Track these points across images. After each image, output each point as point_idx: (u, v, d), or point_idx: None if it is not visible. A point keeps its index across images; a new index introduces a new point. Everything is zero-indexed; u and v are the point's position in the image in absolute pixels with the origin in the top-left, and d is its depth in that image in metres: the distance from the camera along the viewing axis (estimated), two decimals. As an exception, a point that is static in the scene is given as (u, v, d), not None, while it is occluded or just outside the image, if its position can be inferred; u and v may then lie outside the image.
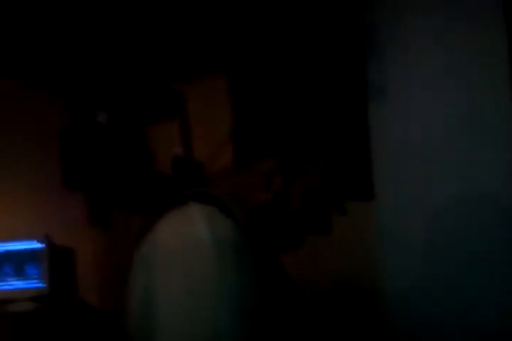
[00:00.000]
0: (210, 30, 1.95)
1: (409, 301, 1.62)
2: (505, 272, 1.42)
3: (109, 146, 2.60)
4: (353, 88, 1.71)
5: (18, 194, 2.70)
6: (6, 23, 2.11)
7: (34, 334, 2.26)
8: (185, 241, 0.76)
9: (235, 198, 0.86)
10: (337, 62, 1.72)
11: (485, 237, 1.46)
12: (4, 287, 2.48)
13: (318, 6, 1.74)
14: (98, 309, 2.50)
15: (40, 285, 2.52)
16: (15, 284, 2.50)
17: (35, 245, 2.55)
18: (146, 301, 0.75)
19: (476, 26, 1.47)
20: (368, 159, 1.70)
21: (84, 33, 2.27)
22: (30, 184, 2.74)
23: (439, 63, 1.55)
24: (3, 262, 2.51)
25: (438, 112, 1.55)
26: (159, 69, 2.35)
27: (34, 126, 2.76)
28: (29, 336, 2.25)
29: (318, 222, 0.99)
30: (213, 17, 1.94)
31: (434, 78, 1.56)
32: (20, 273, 2.51)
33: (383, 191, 1.70)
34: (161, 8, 2.01)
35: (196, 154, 2.38)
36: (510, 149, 1.42)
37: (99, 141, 2.59)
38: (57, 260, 2.66)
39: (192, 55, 2.03)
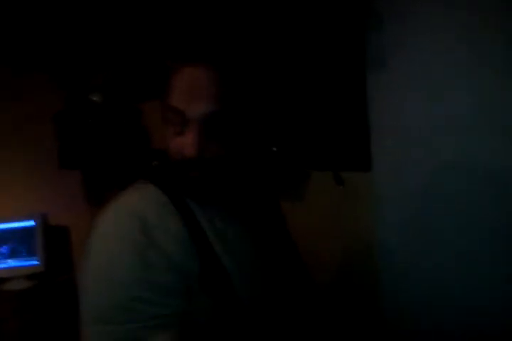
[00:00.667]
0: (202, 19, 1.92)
1: (406, 272, 1.65)
2: (503, 240, 1.43)
3: (103, 125, 2.60)
4: (352, 58, 1.71)
5: (14, 174, 2.71)
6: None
7: (30, 312, 2.29)
8: (106, 213, 0.82)
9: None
10: (336, 36, 1.71)
11: (482, 205, 1.46)
12: (1, 265, 2.50)
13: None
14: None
15: (35, 263, 2.54)
16: (10, 262, 2.52)
17: (31, 224, 2.56)
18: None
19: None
20: (365, 130, 1.70)
21: (77, 13, 2.23)
22: (27, 164, 2.75)
23: (440, 39, 1.53)
24: (-1, 241, 2.52)
25: (437, 82, 1.54)
26: (152, 46, 2.33)
27: (30, 107, 2.74)
28: (25, 314, 2.27)
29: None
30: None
31: (435, 54, 1.54)
32: (15, 252, 2.53)
33: (380, 162, 1.70)
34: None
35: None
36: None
37: (94, 120, 2.58)
38: (52, 238, 2.68)
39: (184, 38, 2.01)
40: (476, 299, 1.48)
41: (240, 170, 0.91)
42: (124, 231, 0.79)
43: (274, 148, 1.80)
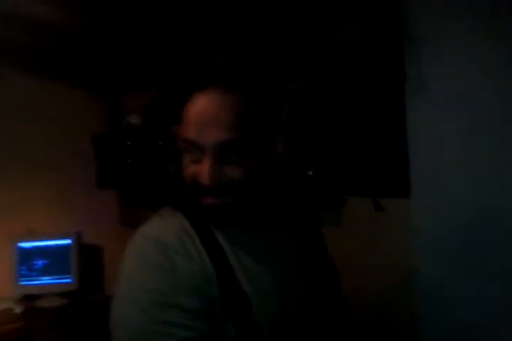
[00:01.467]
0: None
1: (442, 301, 1.59)
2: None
3: (141, 147, 2.64)
4: (392, 85, 1.69)
5: (51, 193, 2.75)
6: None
7: (60, 329, 2.30)
8: (131, 241, 0.84)
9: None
10: (376, 59, 1.70)
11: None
12: (35, 282, 2.54)
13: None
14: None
15: (68, 281, 2.56)
16: (44, 279, 2.55)
17: (67, 242, 2.60)
18: None
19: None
20: (404, 156, 1.68)
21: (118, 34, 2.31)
22: (64, 184, 2.80)
23: (479, 61, 1.50)
24: (34, 258, 2.56)
25: (477, 111, 1.51)
26: (178, 71, 2.38)
27: (68, 126, 2.81)
28: (55, 331, 2.28)
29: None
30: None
31: (474, 77, 1.52)
32: (50, 269, 2.57)
33: (419, 189, 1.67)
34: None
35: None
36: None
37: (132, 142, 2.63)
38: (86, 257, 2.71)
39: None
40: None
41: (266, 195, 0.90)
42: (147, 257, 0.80)
43: (310, 172, 1.79)
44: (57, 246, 2.59)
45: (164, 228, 0.84)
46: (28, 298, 2.49)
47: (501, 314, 1.47)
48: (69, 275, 2.57)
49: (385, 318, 1.77)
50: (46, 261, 2.57)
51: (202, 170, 0.80)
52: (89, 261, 2.77)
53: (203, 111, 0.79)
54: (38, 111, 2.70)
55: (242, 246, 0.87)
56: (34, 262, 2.56)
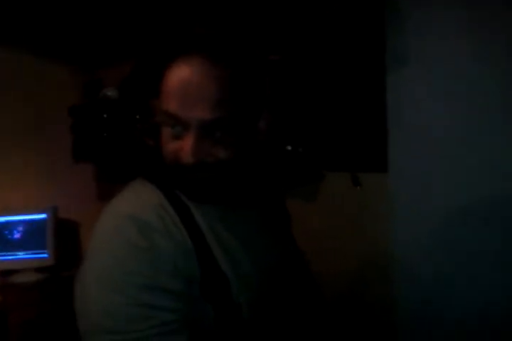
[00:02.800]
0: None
1: (419, 273, 1.62)
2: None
3: (118, 120, 2.59)
4: (372, 59, 1.68)
5: (27, 167, 2.70)
6: None
7: (36, 305, 2.28)
8: (104, 217, 0.79)
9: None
10: (355, 35, 1.68)
11: (498, 215, 1.44)
12: (10, 257, 2.50)
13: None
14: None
15: (44, 256, 2.54)
16: (20, 254, 2.52)
17: (41, 216, 2.56)
18: None
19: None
20: (383, 131, 1.67)
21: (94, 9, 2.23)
22: (40, 158, 2.75)
23: (459, 34, 1.49)
24: (9, 233, 2.52)
25: (458, 86, 1.51)
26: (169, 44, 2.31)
27: (45, 101, 2.74)
28: (31, 307, 2.27)
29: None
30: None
31: (453, 50, 1.51)
32: (26, 244, 2.53)
33: (397, 164, 1.67)
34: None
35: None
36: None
37: (108, 115, 2.58)
38: (63, 232, 2.67)
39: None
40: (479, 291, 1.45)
41: (246, 172, 0.86)
42: (126, 236, 0.74)
43: (289, 147, 1.78)
44: (33, 220, 2.55)
45: (141, 204, 0.78)
46: (4, 274, 2.46)
47: (476, 290, 1.50)
48: (45, 251, 2.54)
49: (362, 292, 1.80)
50: (21, 236, 2.53)
51: (184, 146, 0.74)
52: (66, 237, 2.74)
53: (187, 82, 0.72)
54: (15, 85, 2.62)
55: (219, 222, 0.84)
56: (9, 237, 2.52)
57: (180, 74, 0.72)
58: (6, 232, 2.52)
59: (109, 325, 0.70)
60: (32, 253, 2.53)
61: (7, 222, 2.52)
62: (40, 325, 2.13)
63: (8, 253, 2.50)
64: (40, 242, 2.54)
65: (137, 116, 2.57)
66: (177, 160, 0.77)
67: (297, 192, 1.83)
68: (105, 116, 2.57)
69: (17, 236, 2.53)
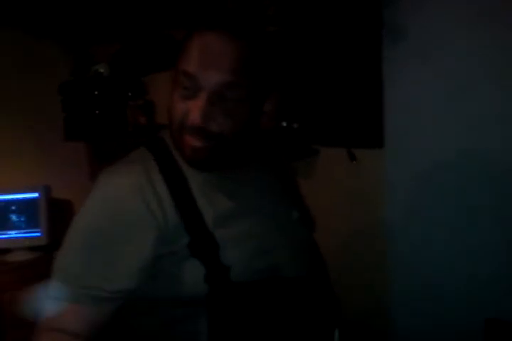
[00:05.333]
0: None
1: (414, 250, 1.63)
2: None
3: (109, 97, 2.55)
4: (369, 34, 1.65)
5: (19, 146, 2.67)
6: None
7: (32, 283, 2.27)
8: (90, 198, 0.84)
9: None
10: (353, 13, 1.64)
11: (491, 190, 1.43)
12: (3, 236, 2.49)
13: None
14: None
15: (38, 235, 2.52)
16: (13, 233, 2.50)
17: (34, 195, 2.54)
18: None
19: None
20: (379, 107, 1.65)
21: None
22: (32, 136, 2.71)
23: (457, 12, 1.47)
24: (1, 212, 2.50)
25: (454, 64, 1.49)
26: (160, 19, 2.26)
27: (36, 78, 2.69)
28: (27, 285, 2.26)
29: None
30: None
31: (451, 28, 1.48)
32: (19, 223, 2.51)
33: (393, 139, 1.66)
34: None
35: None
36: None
37: (100, 92, 2.54)
38: (56, 211, 2.65)
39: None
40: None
41: (245, 144, 0.88)
42: (100, 225, 0.80)
43: (284, 123, 1.75)
44: (25, 199, 2.53)
45: (124, 184, 0.81)
46: (-3, 252, 2.45)
47: (467, 263, 1.50)
48: (38, 230, 2.52)
49: (356, 266, 1.80)
50: (14, 215, 2.51)
51: (194, 107, 0.78)
52: (59, 215, 2.72)
53: (209, 47, 0.78)
54: (4, 62, 2.57)
55: (218, 189, 0.86)
56: (2, 216, 2.50)
57: (204, 41, 0.79)
58: (-2, 211, 2.50)
59: (59, 271, 0.83)
60: (25, 233, 2.51)
61: (-1, 201, 2.50)
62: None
63: (1, 232, 2.49)
64: (33, 221, 2.53)
65: (129, 93, 2.53)
66: (184, 121, 0.80)
67: (293, 168, 1.81)
68: (96, 93, 2.53)
69: (9, 215, 2.51)
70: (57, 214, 2.67)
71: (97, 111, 2.52)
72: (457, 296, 1.52)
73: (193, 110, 0.78)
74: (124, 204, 0.80)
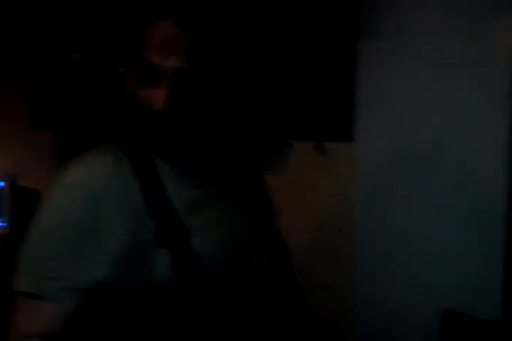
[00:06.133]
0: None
1: (384, 233, 1.64)
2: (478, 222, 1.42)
3: (80, 85, 2.49)
4: (343, 27, 1.65)
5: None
6: None
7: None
8: (54, 187, 0.86)
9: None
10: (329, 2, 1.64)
11: (458, 180, 1.45)
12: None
13: None
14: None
15: (1, 224, 2.46)
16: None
17: (0, 184, 2.48)
18: None
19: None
20: (350, 100, 1.66)
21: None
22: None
23: (432, 10, 1.48)
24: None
25: (426, 58, 1.50)
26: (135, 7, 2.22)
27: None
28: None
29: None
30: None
31: (427, 26, 1.50)
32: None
33: (363, 133, 1.67)
34: None
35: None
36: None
37: (70, 79, 2.48)
38: (22, 201, 2.59)
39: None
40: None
41: (214, 132, 0.91)
42: (70, 214, 0.81)
43: (256, 116, 1.74)
44: (-12, 188, 2.46)
45: (91, 173, 0.83)
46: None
47: (442, 240, 1.51)
48: (2, 219, 2.46)
49: (325, 255, 1.81)
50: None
51: (157, 94, 0.80)
52: (25, 205, 2.66)
53: (166, 35, 0.80)
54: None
55: (188, 177, 0.88)
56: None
57: (160, 30, 0.81)
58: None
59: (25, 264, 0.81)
60: (-12, 222, 2.45)
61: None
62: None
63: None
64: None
65: (99, 81, 2.48)
66: (148, 108, 0.82)
67: (264, 161, 1.81)
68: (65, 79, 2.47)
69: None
70: (23, 204, 2.61)
71: (66, 100, 2.46)
72: (416, 288, 1.53)
73: (156, 97, 0.80)
74: (92, 192, 0.80)
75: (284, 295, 0.97)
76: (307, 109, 1.75)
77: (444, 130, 1.47)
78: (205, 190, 0.89)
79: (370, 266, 1.68)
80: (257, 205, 1.00)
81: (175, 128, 0.82)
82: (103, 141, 0.91)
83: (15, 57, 2.65)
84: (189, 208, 0.85)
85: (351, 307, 1.71)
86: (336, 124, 1.69)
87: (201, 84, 0.82)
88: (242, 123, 1.73)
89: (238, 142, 1.07)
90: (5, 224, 2.46)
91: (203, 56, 0.82)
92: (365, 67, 1.67)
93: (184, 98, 0.81)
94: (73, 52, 2.51)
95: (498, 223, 1.34)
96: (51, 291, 0.77)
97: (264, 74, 1.75)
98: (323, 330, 1.72)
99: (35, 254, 0.81)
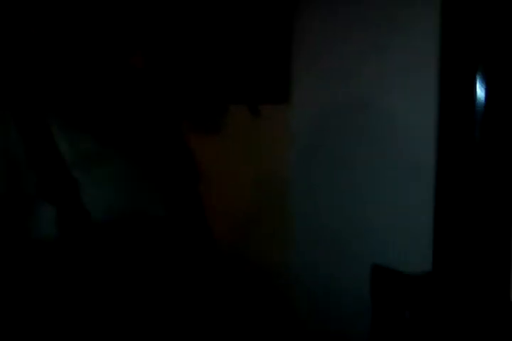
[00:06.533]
0: None
1: (313, 207, 1.65)
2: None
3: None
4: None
5: None
6: None
7: None
8: None
9: None
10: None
11: (395, 145, 1.46)
12: None
13: None
14: None
15: None
16: None
17: None
18: None
19: None
20: (284, 62, 1.64)
21: None
22: None
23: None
24: None
25: (368, 13, 1.48)
26: None
27: None
28: None
29: None
30: None
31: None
32: None
33: (298, 95, 1.66)
34: None
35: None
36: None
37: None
38: None
39: None
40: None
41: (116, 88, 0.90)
42: None
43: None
44: None
45: None
46: None
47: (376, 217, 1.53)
48: None
49: (259, 224, 1.81)
50: None
51: None
52: None
53: None
54: None
55: (86, 132, 0.86)
56: None
57: None
58: None
59: None
60: None
61: None
62: None
63: None
64: None
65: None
66: None
67: (199, 125, 1.77)
68: None
69: None
70: None
71: None
72: (346, 242, 1.55)
73: None
74: None
75: (188, 247, 0.94)
76: (242, 72, 1.72)
77: (381, 93, 1.47)
78: (104, 145, 0.86)
79: (302, 223, 1.69)
80: (168, 164, 0.98)
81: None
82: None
83: None
84: (83, 162, 0.83)
85: (284, 264, 1.72)
86: (271, 86, 1.68)
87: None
88: (173, 87, 1.68)
89: (154, 101, 1.05)
90: None
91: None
92: (302, 28, 1.64)
93: None
94: None
95: (427, 176, 1.35)
96: None
97: (194, 33, 1.70)
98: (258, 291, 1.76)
99: None
